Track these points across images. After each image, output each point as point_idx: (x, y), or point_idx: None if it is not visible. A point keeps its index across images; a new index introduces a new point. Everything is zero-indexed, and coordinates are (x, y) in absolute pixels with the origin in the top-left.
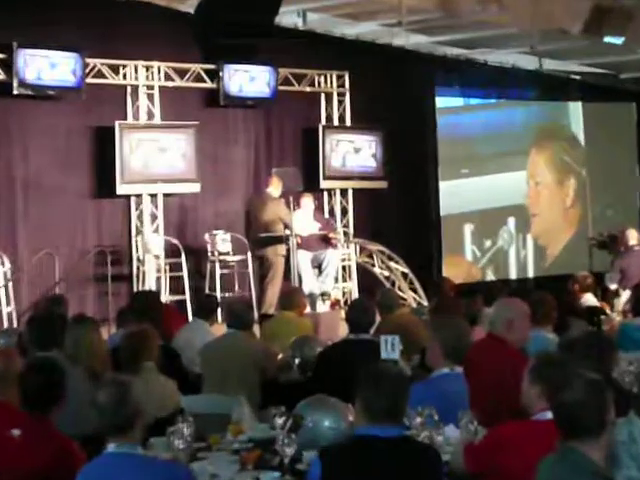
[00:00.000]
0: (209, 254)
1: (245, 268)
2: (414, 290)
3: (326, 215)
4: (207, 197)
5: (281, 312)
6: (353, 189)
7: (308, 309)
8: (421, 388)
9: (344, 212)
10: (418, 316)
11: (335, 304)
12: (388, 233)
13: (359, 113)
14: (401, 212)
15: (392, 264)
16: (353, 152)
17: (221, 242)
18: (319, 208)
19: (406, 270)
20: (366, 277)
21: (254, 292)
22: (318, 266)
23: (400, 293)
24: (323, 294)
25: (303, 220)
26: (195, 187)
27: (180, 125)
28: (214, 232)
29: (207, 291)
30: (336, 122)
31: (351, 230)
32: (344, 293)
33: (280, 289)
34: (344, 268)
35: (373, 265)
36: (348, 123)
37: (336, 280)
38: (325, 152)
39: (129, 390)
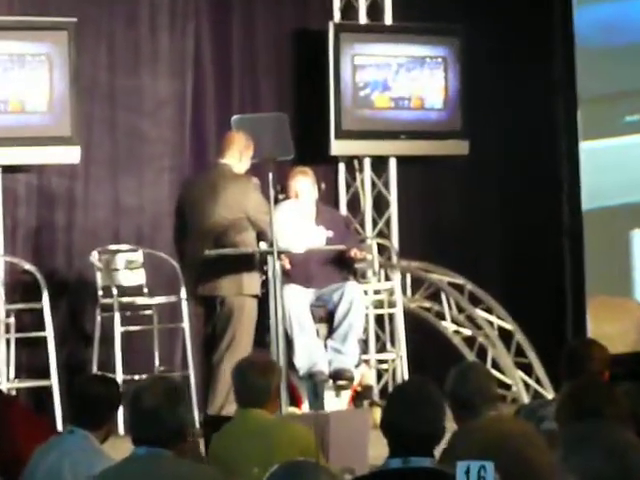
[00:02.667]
0: (99, 293)
1: (174, 321)
2: (526, 368)
3: (342, 211)
4: (96, 177)
5: (247, 412)
6: (398, 158)
7: (305, 406)
8: None
9: (379, 205)
10: (534, 422)
11: (361, 395)
12: (471, 250)
13: (410, 1)
14: (498, 205)
15: (480, 313)
16: (397, 79)
17: (125, 269)
18: (328, 198)
19: (510, 326)
20: (425, 339)
21: (192, 371)
22: (327, 317)
23: (497, 373)
24: (337, 375)
25: (295, 222)
26: (71, 154)
27: (41, 25)
28: (110, 248)
29: (95, 370)
30: (362, 18)
31: (395, 243)
32: (380, 374)
33: (240, 364)
34: (379, 320)
35: (439, 315)
36: (388, 20)
37: (364, 347)
38: (340, 80)
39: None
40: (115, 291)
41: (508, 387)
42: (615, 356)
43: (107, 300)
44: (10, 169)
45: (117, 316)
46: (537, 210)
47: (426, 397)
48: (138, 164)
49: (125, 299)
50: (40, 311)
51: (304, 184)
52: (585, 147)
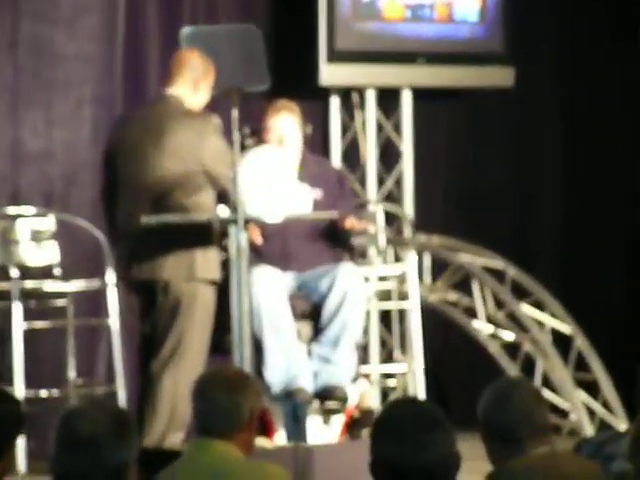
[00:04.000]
0: None
1: (97, 315)
2: (590, 387)
3: (335, 163)
4: None
5: (205, 444)
6: (415, 90)
7: (281, 436)
8: None
9: (388, 157)
10: (600, 462)
11: (359, 422)
12: (516, 221)
13: None
14: (557, 161)
15: (527, 309)
16: None
17: (28, 242)
18: (315, 144)
19: (568, 329)
20: (449, 345)
21: (121, 386)
22: (312, 313)
23: (549, 394)
24: (325, 394)
25: (270, 178)
26: None
27: None
28: (7, 211)
29: None
30: None
31: (409, 209)
32: (386, 393)
33: (202, 378)
34: (385, 318)
35: (470, 312)
36: None
37: (364, 355)
38: None
39: None
40: (15, 273)
41: (565, 414)
42: None
43: (2, 285)
44: None
45: (17, 307)
46: (612, 169)
47: (426, 418)
48: (47, 93)
49: (29, 283)
50: None
51: (290, 125)
52: None
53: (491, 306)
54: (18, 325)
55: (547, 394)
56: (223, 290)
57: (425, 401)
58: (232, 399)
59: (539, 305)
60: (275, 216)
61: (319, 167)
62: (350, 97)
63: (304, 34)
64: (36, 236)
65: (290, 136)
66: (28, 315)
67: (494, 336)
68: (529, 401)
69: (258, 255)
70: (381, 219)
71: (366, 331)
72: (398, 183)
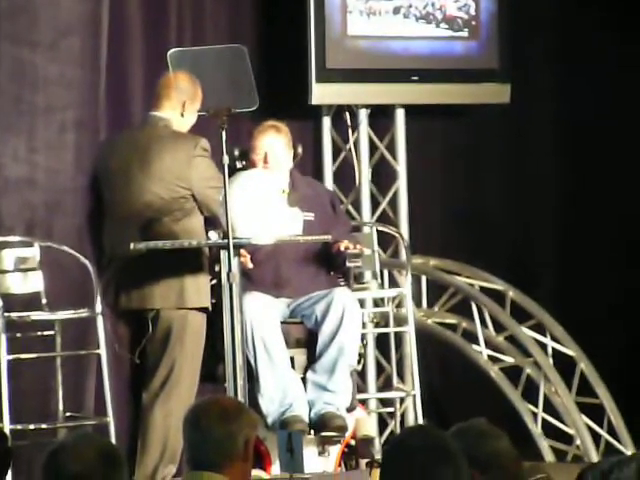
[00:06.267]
0: None
1: (86, 346)
2: (594, 411)
3: (328, 185)
4: None
5: (196, 475)
6: (408, 108)
7: (275, 468)
8: None
9: (382, 177)
10: None
11: (356, 452)
12: (515, 242)
13: None
14: (556, 179)
15: (528, 332)
16: None
17: (13, 272)
18: (306, 166)
19: (571, 351)
20: (448, 370)
21: (111, 418)
22: (306, 340)
23: (552, 419)
24: (321, 423)
25: (260, 201)
26: None
27: None
28: None
29: None
30: None
31: (404, 231)
32: (383, 420)
33: (195, 408)
34: (382, 343)
35: (469, 335)
36: None
37: (360, 382)
38: None
39: None
40: (0, 302)
41: (569, 439)
42: None
43: None
44: None
45: (3, 339)
46: (609, 185)
47: (438, 450)
48: (29, 118)
49: (14, 314)
50: None
51: (277, 145)
52: None
53: (491, 329)
54: (4, 357)
55: (550, 419)
56: (214, 318)
57: (438, 430)
58: (226, 429)
59: (540, 328)
60: (266, 239)
61: (311, 189)
62: (342, 117)
63: (294, 53)
64: (21, 265)
65: (276, 156)
66: (14, 347)
67: (494, 360)
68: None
69: (250, 281)
70: (375, 242)
71: (362, 357)
72: (393, 204)
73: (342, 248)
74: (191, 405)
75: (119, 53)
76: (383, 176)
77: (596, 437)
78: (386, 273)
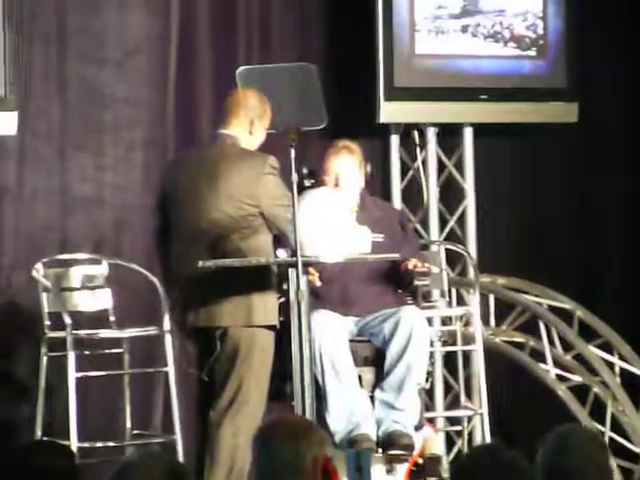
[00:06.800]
0: (45, 323)
1: (154, 364)
2: None
3: (396, 204)
4: (35, 155)
5: None
6: (477, 127)
7: None
8: None
9: (450, 196)
10: None
11: (425, 470)
12: (583, 261)
13: None
14: (626, 197)
15: (596, 351)
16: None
17: (82, 289)
18: (375, 184)
19: (635, 370)
20: (516, 388)
21: (179, 436)
22: (374, 358)
23: (619, 438)
24: (389, 441)
25: (329, 220)
26: (4, 123)
27: None
28: (60, 257)
29: (39, 434)
30: None
31: (472, 250)
32: (451, 439)
33: (264, 426)
34: (450, 361)
35: (537, 354)
36: None
37: (428, 401)
38: (392, 12)
39: None
40: (68, 320)
41: (636, 458)
42: None
43: (57, 334)
44: None
45: (71, 356)
46: None
47: (509, 471)
48: (97, 136)
49: (83, 332)
50: None
51: (348, 165)
52: None
53: (559, 348)
54: (72, 375)
55: (617, 438)
56: (282, 335)
57: (509, 450)
58: (295, 448)
59: (608, 347)
60: (335, 258)
61: (379, 210)
62: (411, 135)
63: (363, 71)
64: (89, 282)
65: (348, 177)
66: (82, 365)
67: (562, 379)
68: (590, 447)
69: (317, 299)
70: (443, 261)
71: (430, 375)
72: (461, 222)
73: (410, 267)
74: (261, 424)
75: (187, 71)
76: (451, 195)
77: None
78: (454, 291)
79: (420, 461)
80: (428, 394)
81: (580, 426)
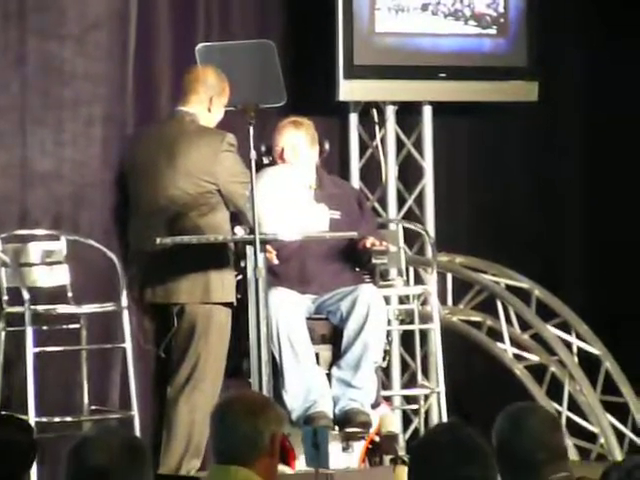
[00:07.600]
0: (3, 298)
1: (111, 340)
2: (619, 410)
3: (354, 183)
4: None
5: (224, 471)
6: (436, 106)
7: (301, 462)
8: None
9: (408, 175)
10: None
11: (381, 448)
12: (541, 240)
13: None
14: (584, 177)
15: (553, 330)
16: None
17: (40, 265)
18: (333, 163)
19: (596, 350)
20: (473, 367)
21: (136, 412)
22: (331, 336)
23: (577, 418)
24: (346, 419)
25: (286, 197)
26: None
27: None
28: (19, 233)
29: None
30: None
31: (430, 229)
32: (408, 417)
33: (222, 403)
34: (407, 340)
35: (494, 333)
36: None
37: (385, 379)
38: None
39: None
40: (27, 295)
41: (593, 438)
42: None
43: (15, 309)
44: None
45: (29, 331)
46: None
47: (468, 449)
48: (56, 112)
49: (41, 307)
50: None
51: (298, 141)
52: None
53: (516, 327)
54: (30, 350)
55: (574, 418)
56: (239, 313)
57: (467, 428)
58: (253, 424)
59: (566, 326)
60: (292, 235)
61: (337, 188)
62: (370, 114)
63: (322, 49)
64: (48, 258)
65: (295, 151)
66: (40, 340)
67: (519, 358)
68: (544, 426)
69: (275, 277)
70: (401, 239)
71: (387, 354)
72: (419, 201)
73: (368, 245)
74: (219, 400)
75: (147, 47)
76: (410, 173)
77: (620, 436)
78: (412, 270)
79: (377, 439)
80: (385, 372)
81: (535, 405)
